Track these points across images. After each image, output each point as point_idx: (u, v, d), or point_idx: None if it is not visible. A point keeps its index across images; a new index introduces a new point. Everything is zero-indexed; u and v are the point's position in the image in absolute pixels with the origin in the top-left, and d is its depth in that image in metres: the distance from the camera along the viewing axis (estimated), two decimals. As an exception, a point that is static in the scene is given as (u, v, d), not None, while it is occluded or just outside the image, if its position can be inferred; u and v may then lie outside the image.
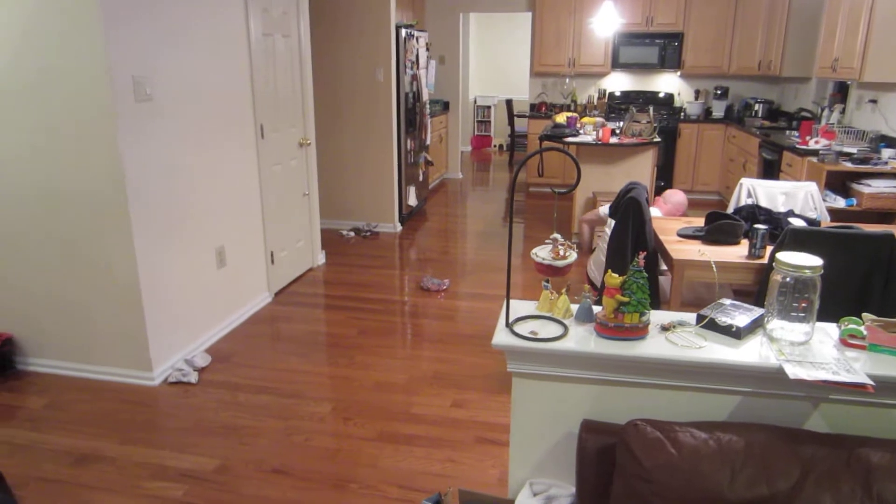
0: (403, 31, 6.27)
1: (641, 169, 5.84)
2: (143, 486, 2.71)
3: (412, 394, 3.46)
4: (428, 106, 7.34)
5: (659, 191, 7.81)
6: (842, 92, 6.15)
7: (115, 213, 3.27)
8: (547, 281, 1.86)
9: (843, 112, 6.05)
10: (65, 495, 2.65)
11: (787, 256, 1.68)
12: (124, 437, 3.04)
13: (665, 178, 7.99)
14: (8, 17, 3.09)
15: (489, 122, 12.57)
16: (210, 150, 3.90)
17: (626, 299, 1.68)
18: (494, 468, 2.83)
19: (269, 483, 2.73)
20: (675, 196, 4.29)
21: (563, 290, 1.84)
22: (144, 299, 3.40)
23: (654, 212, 4.07)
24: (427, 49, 7.21)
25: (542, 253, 1.76)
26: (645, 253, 1.77)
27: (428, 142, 7.42)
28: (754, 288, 3.16)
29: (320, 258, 5.57)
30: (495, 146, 12.68)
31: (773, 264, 1.70)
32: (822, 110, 6.34)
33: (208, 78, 3.83)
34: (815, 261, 1.65)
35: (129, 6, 3.16)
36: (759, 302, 2.15)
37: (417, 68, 6.77)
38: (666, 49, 8.06)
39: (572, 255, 1.75)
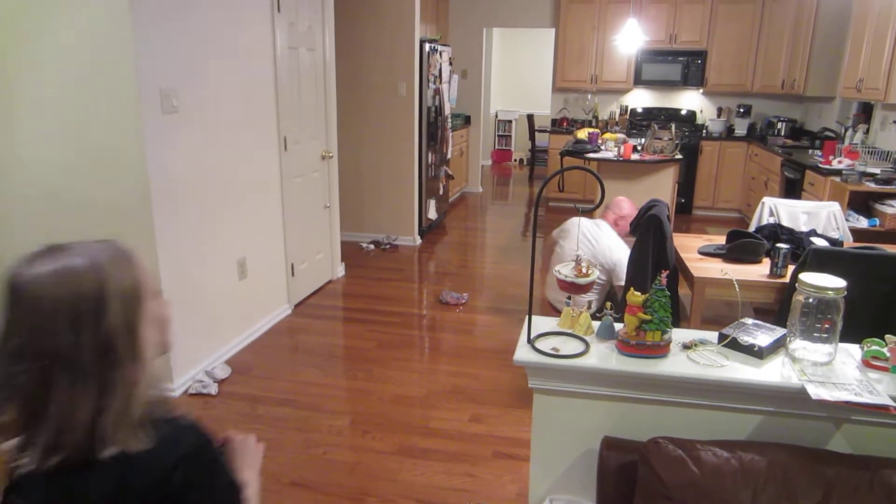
0: (427, 46, 6.33)
1: (662, 186, 5.82)
2: (165, 493, 2.74)
3: (430, 408, 3.47)
4: (450, 120, 7.39)
5: (681, 208, 7.80)
6: (866, 112, 6.11)
7: (140, 223, 3.31)
8: (569, 298, 1.87)
9: (866, 132, 6.00)
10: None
11: (811, 277, 1.68)
12: (146, 445, 3.08)
13: (686, 195, 7.96)
14: (42, 33, 3.17)
15: (510, 136, 12.62)
16: (234, 162, 3.96)
17: (648, 317, 1.68)
18: (513, 483, 2.83)
19: (287, 496, 2.75)
20: (623, 204, 3.86)
21: (585, 308, 1.85)
22: (168, 309, 3.44)
23: (606, 227, 3.80)
24: (450, 63, 7.27)
25: (564, 270, 1.78)
26: (667, 272, 1.78)
27: (449, 155, 7.47)
28: (775, 307, 3.15)
29: (340, 270, 5.61)
30: (516, 160, 12.71)
31: (797, 285, 1.70)
32: (846, 130, 6.30)
33: (234, 90, 3.90)
34: (839, 282, 1.65)
35: (159, 20, 3.23)
36: (779, 321, 2.14)
37: (440, 83, 6.83)
38: (689, 66, 8.05)
39: (595, 273, 1.76)
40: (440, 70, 6.80)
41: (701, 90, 8.36)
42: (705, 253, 3.49)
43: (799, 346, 1.71)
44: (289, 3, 4.41)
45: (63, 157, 3.33)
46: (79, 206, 3.38)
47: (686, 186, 7.90)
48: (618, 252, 3.60)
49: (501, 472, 2.91)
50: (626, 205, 3.82)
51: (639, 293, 1.71)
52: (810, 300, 1.67)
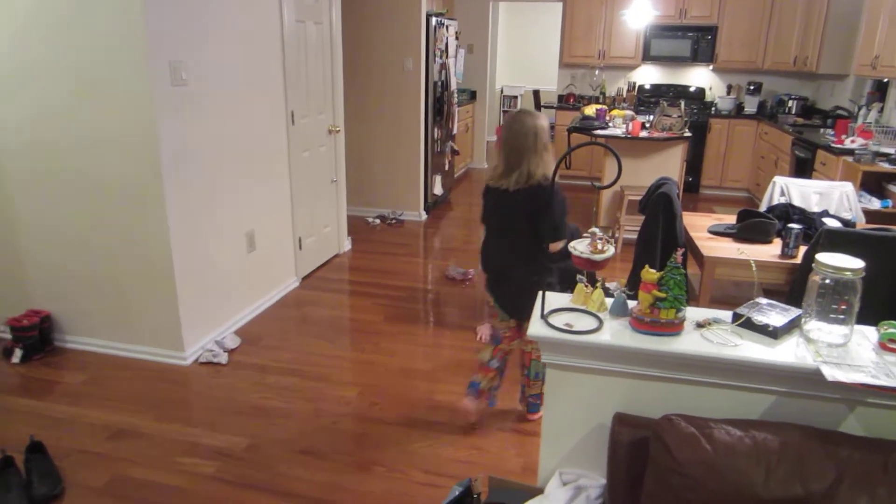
0: (434, 20, 6.26)
1: (671, 164, 5.79)
2: (178, 461, 2.77)
3: (437, 381, 3.49)
4: (456, 95, 7.32)
5: (688, 187, 7.75)
6: (881, 90, 6.04)
7: (151, 195, 3.32)
8: (582, 274, 1.87)
9: (881, 111, 5.93)
10: (103, 468, 2.72)
11: (828, 258, 1.67)
12: (159, 414, 3.11)
13: (693, 173, 7.92)
14: (51, 6, 3.14)
15: (515, 112, 12.50)
16: (242, 135, 3.94)
17: (662, 295, 1.68)
18: (519, 457, 2.85)
19: (297, 463, 2.78)
20: None
21: (598, 284, 1.85)
22: (178, 280, 3.46)
23: None
24: (456, 38, 7.19)
25: (580, 247, 1.77)
26: (683, 249, 1.77)
27: (455, 131, 7.42)
28: (786, 287, 3.14)
29: (346, 244, 5.61)
30: (521, 136, 12.60)
31: (813, 265, 1.69)
32: (860, 109, 6.23)
33: (241, 63, 3.87)
34: (857, 263, 1.64)
35: (170, -10, 3.20)
36: (790, 301, 2.14)
37: (446, 57, 6.76)
38: (699, 42, 7.95)
39: (610, 250, 1.76)
40: (446, 44, 6.73)
41: (710, 67, 8.26)
42: (715, 232, 3.48)
43: (814, 327, 1.70)
44: (297, -27, 4.35)
45: (73, 131, 3.32)
46: (89, 179, 3.38)
47: (694, 165, 7.85)
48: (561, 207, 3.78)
49: (507, 446, 2.93)
50: None
51: (653, 270, 1.70)
52: (827, 281, 1.66)
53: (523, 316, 2.83)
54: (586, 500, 1.69)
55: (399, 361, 3.69)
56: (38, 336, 3.59)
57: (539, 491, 1.81)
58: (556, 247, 2.73)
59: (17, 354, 3.55)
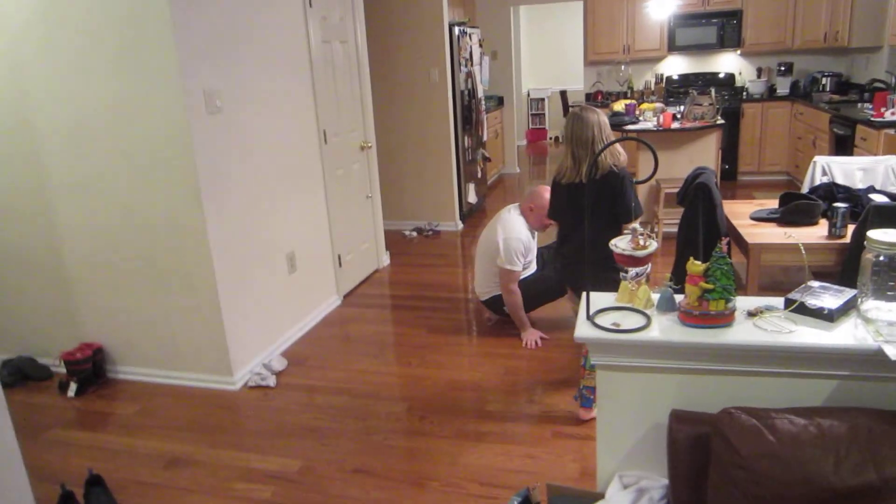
0: (456, 30, 6.28)
1: (706, 153, 5.69)
2: (234, 487, 2.80)
3: (485, 391, 3.47)
4: (483, 102, 7.33)
5: (725, 175, 7.61)
6: (918, 59, 5.85)
7: (193, 224, 3.38)
8: (626, 272, 1.84)
9: (920, 80, 5.75)
10: (161, 498, 2.77)
11: (880, 234, 1.61)
12: (212, 441, 3.15)
13: (730, 161, 7.76)
14: (85, 46, 3.24)
15: (543, 114, 12.48)
16: (277, 158, 4.00)
17: (710, 286, 1.64)
18: (575, 462, 2.81)
19: (351, 483, 2.78)
20: (542, 195, 3.81)
21: (644, 281, 1.82)
22: (223, 306, 3.51)
23: (520, 222, 3.94)
24: (480, 45, 7.20)
25: (621, 244, 1.74)
26: (727, 238, 1.73)
27: (485, 138, 7.42)
28: (836, 269, 3.05)
29: (385, 259, 5.64)
30: (551, 138, 12.57)
31: (865, 243, 1.63)
32: (897, 80, 6.05)
33: (272, 87, 3.93)
34: (912, 237, 1.58)
35: (196, 22, 3.27)
36: (843, 282, 2.07)
37: (471, 65, 6.77)
38: (725, 28, 7.82)
39: (653, 245, 1.73)
40: (471, 52, 6.74)
41: (738, 51, 8.11)
42: (758, 218, 3.40)
43: (871, 306, 1.64)
44: (318, -4, 4.42)
45: (115, 166, 3.41)
46: (135, 213, 3.47)
47: (729, 152, 7.70)
48: (501, 235, 3.90)
49: (563, 452, 2.89)
50: (546, 196, 3.66)
51: (698, 262, 1.66)
52: (881, 258, 1.60)
53: None
54: (649, 501, 1.66)
55: (446, 373, 3.68)
56: (91, 369, 3.68)
57: (600, 496, 1.78)
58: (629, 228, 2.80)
59: (72, 388, 3.64)
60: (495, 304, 4.09)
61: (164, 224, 3.43)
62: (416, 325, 4.37)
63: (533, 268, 4.14)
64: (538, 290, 4.00)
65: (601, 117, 3.02)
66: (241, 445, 3.11)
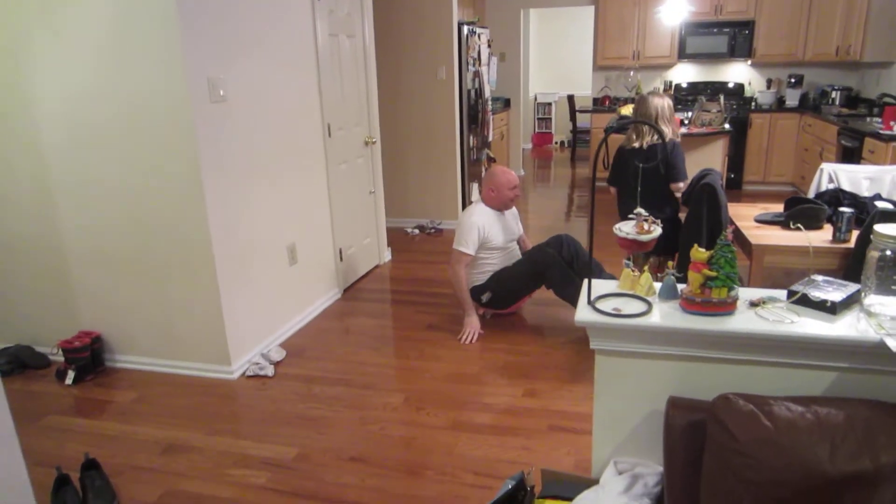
0: (465, 29, 6.29)
1: (712, 159, 5.69)
2: (229, 473, 2.79)
3: (483, 384, 3.46)
4: (490, 103, 7.33)
5: (730, 184, 7.59)
6: (928, 74, 5.84)
7: (194, 213, 3.37)
8: (629, 259, 1.83)
9: (929, 95, 5.74)
10: (156, 482, 2.76)
11: (888, 228, 1.60)
12: (209, 428, 3.14)
13: (735, 170, 7.75)
14: (88, 33, 3.23)
15: (550, 118, 12.48)
16: (280, 150, 3.99)
17: (713, 273, 1.63)
18: (569, 455, 2.80)
19: (347, 470, 2.77)
20: (505, 175, 4.11)
21: (646, 268, 1.81)
22: (223, 296, 3.50)
23: (479, 208, 4.13)
24: (489, 46, 7.21)
25: (625, 228, 1.74)
26: (733, 226, 1.72)
27: (490, 138, 7.42)
28: (839, 273, 3.04)
29: (387, 255, 5.63)
30: (556, 143, 12.57)
31: (871, 237, 1.62)
32: (907, 94, 6.04)
33: (277, 79, 3.93)
34: (918, 232, 1.57)
35: (202, 11, 3.26)
36: (847, 283, 2.06)
37: (479, 65, 6.77)
38: (736, 37, 7.81)
39: (657, 230, 1.72)
40: (479, 52, 6.75)
41: (749, 61, 8.11)
42: (763, 221, 3.39)
43: (875, 300, 1.63)
44: (328, -12, 4.42)
45: (117, 154, 3.39)
46: (135, 202, 3.45)
47: (735, 161, 7.69)
48: (459, 219, 4.16)
49: (557, 445, 2.88)
50: (500, 176, 4.10)
51: (703, 250, 1.66)
52: (888, 252, 1.59)
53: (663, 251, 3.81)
54: (644, 487, 1.64)
55: (445, 367, 3.67)
56: (89, 357, 3.67)
57: (594, 482, 1.77)
58: (677, 187, 3.83)
59: (70, 376, 3.62)
60: (474, 295, 4.14)
61: (165, 213, 3.42)
62: (416, 319, 4.36)
63: (515, 257, 4.22)
64: (512, 284, 4.13)
65: (663, 100, 3.81)
66: (237, 433, 3.10)
